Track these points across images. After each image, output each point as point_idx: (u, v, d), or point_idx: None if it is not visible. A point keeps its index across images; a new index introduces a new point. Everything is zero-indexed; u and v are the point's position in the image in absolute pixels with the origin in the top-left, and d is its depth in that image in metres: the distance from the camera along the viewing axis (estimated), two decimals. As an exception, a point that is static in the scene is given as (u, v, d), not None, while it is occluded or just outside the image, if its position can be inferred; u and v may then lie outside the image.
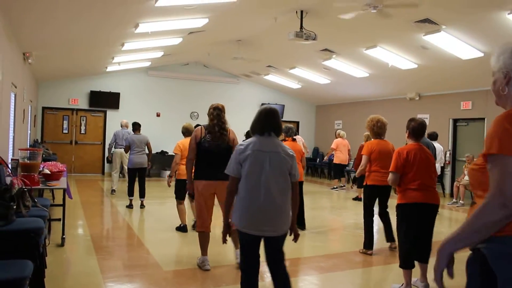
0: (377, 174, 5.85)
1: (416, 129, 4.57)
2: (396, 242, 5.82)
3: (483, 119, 11.53)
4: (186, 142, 6.93)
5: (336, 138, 12.97)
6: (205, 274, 4.98)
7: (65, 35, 8.50)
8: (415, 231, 4.43)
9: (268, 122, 3.43)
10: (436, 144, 9.21)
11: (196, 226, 5.27)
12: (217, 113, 5.16)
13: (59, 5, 6.44)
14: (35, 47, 8.88)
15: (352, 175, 14.00)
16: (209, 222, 5.12)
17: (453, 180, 11.83)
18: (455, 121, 12.44)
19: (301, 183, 7.31)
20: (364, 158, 6.00)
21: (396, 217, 4.61)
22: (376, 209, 6.16)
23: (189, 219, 7.33)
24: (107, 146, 14.81)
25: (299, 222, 7.40)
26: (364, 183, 6.09)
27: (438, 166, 9.13)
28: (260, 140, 3.38)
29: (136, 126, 9.16)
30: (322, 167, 16.91)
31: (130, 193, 8.97)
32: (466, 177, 10.69)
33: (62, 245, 5.74)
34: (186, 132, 7.26)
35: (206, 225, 5.10)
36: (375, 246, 6.22)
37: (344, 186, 13.37)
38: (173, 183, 7.37)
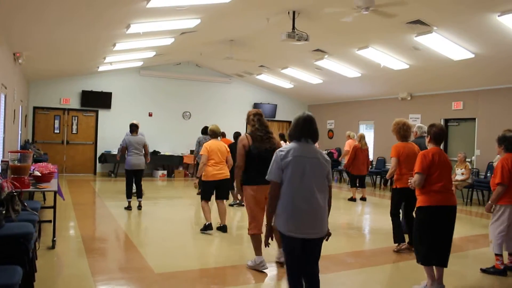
0: (407, 177, 5.76)
1: (438, 135, 4.69)
2: None
3: (474, 119, 11.60)
4: (213, 144, 7.06)
5: (347, 139, 12.94)
6: (196, 277, 4.98)
7: (56, 36, 8.44)
8: (438, 233, 4.51)
9: (306, 129, 3.55)
10: None
11: (248, 229, 5.30)
12: (258, 119, 5.31)
13: (50, 5, 6.40)
14: (25, 47, 8.81)
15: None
16: (261, 224, 5.18)
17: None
18: (447, 121, 12.51)
19: None
20: (394, 161, 6.06)
21: (416, 219, 4.68)
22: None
23: (182, 219, 7.32)
24: (99, 146, 14.82)
25: None
26: (394, 186, 6.16)
27: None
28: (300, 146, 3.50)
29: (134, 128, 9.05)
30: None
31: (128, 195, 8.85)
32: (457, 177, 10.75)
33: (53, 247, 5.70)
34: (213, 134, 7.30)
35: (259, 227, 5.19)
36: (371, 246, 6.27)
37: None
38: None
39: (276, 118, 17.65)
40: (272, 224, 3.53)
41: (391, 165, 6.15)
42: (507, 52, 8.69)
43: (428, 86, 12.47)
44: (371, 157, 14.39)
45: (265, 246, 3.68)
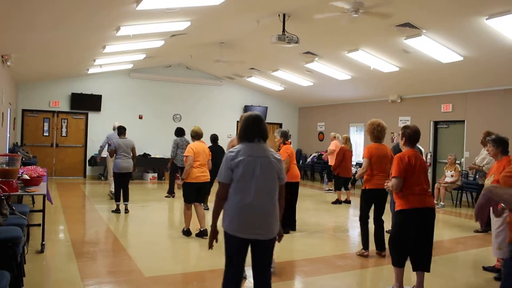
0: (377, 178, 5.87)
1: (412, 136, 4.65)
2: (387, 251, 5.72)
3: (463, 121, 11.69)
4: (198, 145, 6.97)
5: (332, 140, 12.88)
6: (186, 280, 4.96)
7: (46, 38, 8.38)
8: (418, 236, 4.47)
9: (256, 128, 3.48)
10: (419, 147, 9.36)
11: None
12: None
13: (40, 8, 6.34)
14: (14, 50, 8.75)
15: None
16: None
17: (434, 181, 11.96)
18: (436, 123, 12.59)
19: (297, 184, 7.51)
20: (365, 161, 6.00)
21: (396, 223, 4.62)
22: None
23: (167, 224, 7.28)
24: (89, 149, 14.74)
25: (292, 223, 7.48)
26: (363, 187, 6.09)
27: None
28: (250, 146, 3.42)
29: (122, 130, 9.05)
30: (305, 168, 16.96)
31: (117, 198, 8.84)
32: (447, 179, 10.83)
33: (41, 251, 5.66)
34: (196, 135, 7.16)
35: None
36: (356, 250, 6.28)
37: (332, 189, 13.39)
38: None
39: (267, 121, 17.62)
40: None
41: (362, 165, 6.10)
42: (495, 55, 8.77)
43: (418, 89, 12.55)
44: (360, 159, 14.45)
45: (209, 248, 3.49)
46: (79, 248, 6.08)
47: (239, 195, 3.32)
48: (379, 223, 6.16)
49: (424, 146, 12.32)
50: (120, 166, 8.79)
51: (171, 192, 11.20)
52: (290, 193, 7.54)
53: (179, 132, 10.45)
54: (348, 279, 5.31)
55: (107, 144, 10.37)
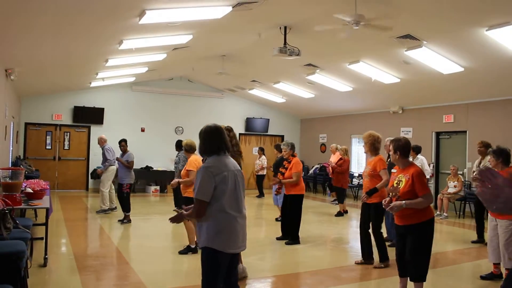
0: (384, 190, 5.80)
1: (407, 148, 4.61)
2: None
3: (465, 132, 11.69)
4: (196, 158, 6.65)
5: (334, 153, 12.69)
6: (190, 293, 4.94)
7: (49, 52, 8.45)
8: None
9: (223, 141, 3.41)
10: (420, 156, 9.35)
11: None
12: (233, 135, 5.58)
13: (43, 21, 6.38)
14: (18, 64, 8.81)
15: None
16: None
17: (436, 192, 11.94)
18: (438, 134, 12.60)
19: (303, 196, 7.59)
20: (386, 172, 5.83)
21: (423, 234, 4.42)
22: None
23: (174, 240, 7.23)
24: (91, 162, 14.75)
25: (295, 236, 7.41)
26: (381, 200, 5.84)
27: None
28: (223, 160, 3.36)
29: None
30: (307, 180, 16.93)
31: (130, 208, 9.24)
32: (450, 189, 10.80)
33: (44, 265, 5.64)
34: (191, 149, 6.85)
35: None
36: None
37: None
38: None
39: (269, 133, 17.69)
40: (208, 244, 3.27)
41: (384, 178, 5.85)
42: (495, 66, 8.81)
43: (419, 100, 12.58)
44: (361, 170, 14.41)
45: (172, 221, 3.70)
46: (82, 261, 6.06)
47: (229, 212, 3.27)
48: (380, 235, 6.09)
49: (427, 157, 12.31)
50: (134, 176, 9.56)
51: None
52: (298, 205, 7.52)
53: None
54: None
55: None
